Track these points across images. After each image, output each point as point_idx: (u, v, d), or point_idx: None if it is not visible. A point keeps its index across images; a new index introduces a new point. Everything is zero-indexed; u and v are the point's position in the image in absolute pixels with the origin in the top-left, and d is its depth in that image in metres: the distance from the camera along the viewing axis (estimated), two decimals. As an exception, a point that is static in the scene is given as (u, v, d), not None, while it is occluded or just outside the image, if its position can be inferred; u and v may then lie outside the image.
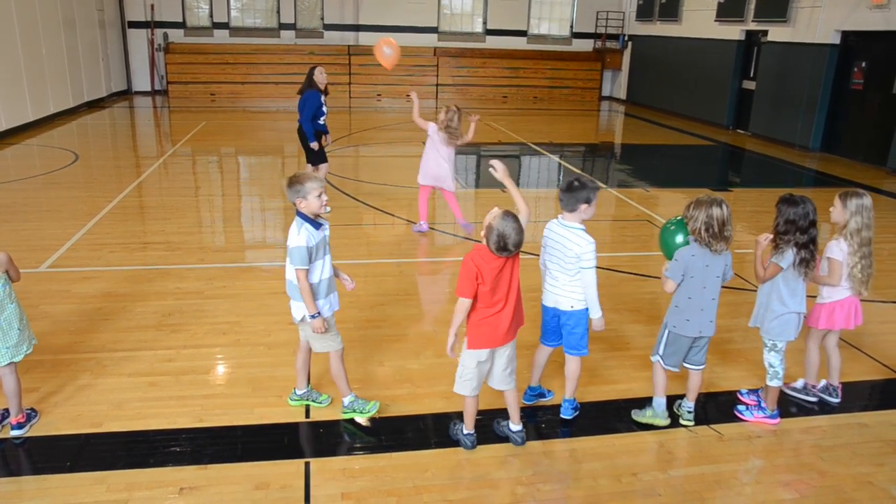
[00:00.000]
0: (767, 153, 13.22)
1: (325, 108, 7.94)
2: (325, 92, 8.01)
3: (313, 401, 4.03)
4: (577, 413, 3.99)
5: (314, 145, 8.00)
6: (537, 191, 10.22)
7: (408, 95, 7.02)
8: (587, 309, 3.78)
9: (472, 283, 3.32)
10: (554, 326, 3.89)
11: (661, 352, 3.90)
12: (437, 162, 7.11)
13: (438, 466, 3.53)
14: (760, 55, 14.67)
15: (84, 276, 5.91)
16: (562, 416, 3.98)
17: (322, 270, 3.65)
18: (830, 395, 4.27)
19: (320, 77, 7.88)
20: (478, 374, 3.53)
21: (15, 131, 12.39)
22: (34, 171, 9.86)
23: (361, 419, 3.91)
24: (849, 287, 4.02)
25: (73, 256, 6.40)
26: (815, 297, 4.16)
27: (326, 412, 3.97)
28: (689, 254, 3.67)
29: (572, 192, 3.64)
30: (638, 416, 4.01)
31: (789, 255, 3.71)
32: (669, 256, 3.83)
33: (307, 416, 3.94)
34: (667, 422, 3.95)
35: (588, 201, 3.65)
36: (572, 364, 3.90)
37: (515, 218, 3.27)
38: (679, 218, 3.95)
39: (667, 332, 3.86)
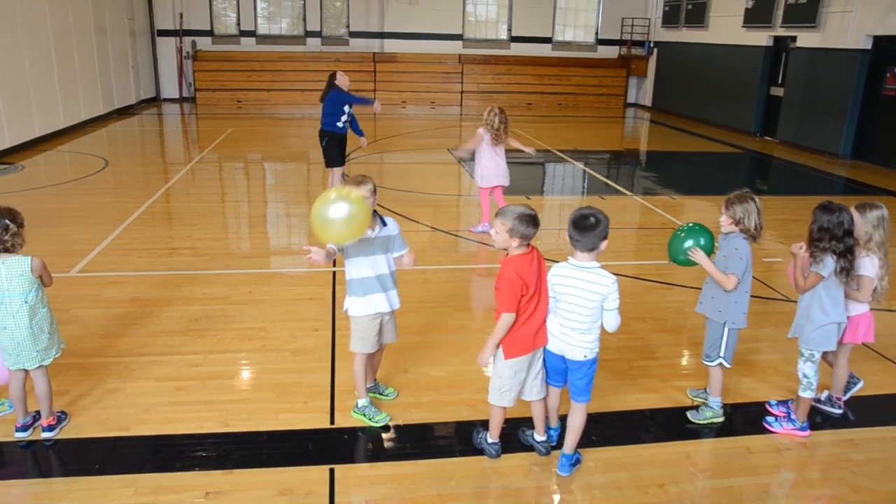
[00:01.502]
0: (796, 160, 13.03)
1: (344, 108, 8.08)
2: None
3: (380, 394, 4.20)
4: (579, 465, 3.59)
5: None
6: (561, 198, 10.18)
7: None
8: (597, 356, 3.44)
9: (517, 297, 3.27)
10: (561, 368, 3.49)
11: (723, 353, 3.91)
12: (496, 161, 7.34)
13: (463, 475, 3.52)
14: (789, 61, 14.48)
15: (113, 281, 6.00)
16: (559, 472, 3.53)
17: (372, 268, 3.76)
18: (833, 406, 4.20)
19: (342, 80, 8.14)
20: (516, 384, 3.48)
21: (47, 138, 12.63)
22: (65, 178, 10.05)
23: (371, 424, 3.91)
24: (870, 301, 3.94)
25: (103, 261, 6.51)
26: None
27: (352, 420, 3.96)
28: (747, 249, 3.76)
29: (592, 230, 3.17)
30: (697, 418, 4.04)
31: (830, 263, 3.64)
32: (678, 262, 3.90)
33: (332, 422, 3.96)
34: (723, 418, 4.04)
35: (607, 235, 3.22)
36: (578, 415, 3.49)
37: (511, 207, 3.30)
38: (690, 225, 3.93)
39: (726, 330, 3.87)
